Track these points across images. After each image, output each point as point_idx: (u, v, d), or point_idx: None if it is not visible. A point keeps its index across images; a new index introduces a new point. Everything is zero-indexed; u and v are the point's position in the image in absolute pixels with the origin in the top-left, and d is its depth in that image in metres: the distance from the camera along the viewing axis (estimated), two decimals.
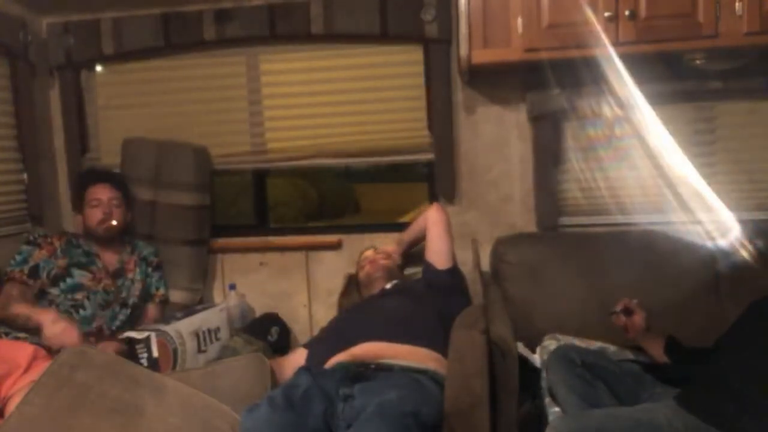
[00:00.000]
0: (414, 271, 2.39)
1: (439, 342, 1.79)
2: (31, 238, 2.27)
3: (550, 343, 2.03)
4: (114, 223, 2.32)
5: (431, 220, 2.22)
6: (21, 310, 2.01)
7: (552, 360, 1.80)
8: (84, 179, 2.45)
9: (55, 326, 1.86)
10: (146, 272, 2.42)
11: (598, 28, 2.02)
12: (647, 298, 1.94)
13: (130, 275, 2.37)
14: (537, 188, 2.45)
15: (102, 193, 2.33)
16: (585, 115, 2.37)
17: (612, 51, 2.04)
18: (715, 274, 2.19)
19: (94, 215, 2.30)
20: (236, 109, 2.65)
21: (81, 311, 2.18)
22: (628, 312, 1.90)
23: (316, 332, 2.35)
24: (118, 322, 2.26)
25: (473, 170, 2.53)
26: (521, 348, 2.02)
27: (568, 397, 1.68)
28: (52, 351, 1.81)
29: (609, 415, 1.56)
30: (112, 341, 2.00)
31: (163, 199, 2.54)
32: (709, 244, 2.20)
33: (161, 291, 2.46)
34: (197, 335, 2.13)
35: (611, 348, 2.03)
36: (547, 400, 1.80)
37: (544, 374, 1.88)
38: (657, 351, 1.86)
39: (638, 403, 1.68)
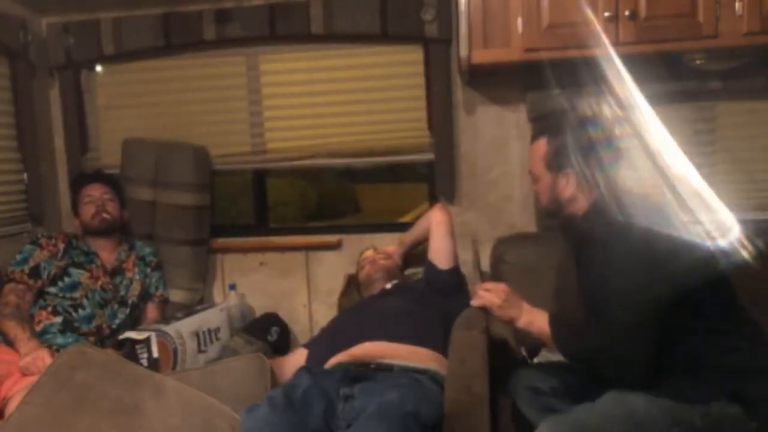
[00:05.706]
0: (414, 271, 2.39)
1: (439, 342, 1.79)
2: (34, 237, 2.28)
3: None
4: (107, 216, 2.33)
5: (435, 220, 2.22)
6: (9, 329, 2.01)
7: (518, 393, 1.70)
8: (76, 183, 2.47)
9: (25, 358, 1.89)
10: (145, 272, 2.42)
11: (598, 28, 2.02)
12: None
13: (128, 274, 2.37)
14: None
15: (94, 189, 2.37)
16: (585, 115, 2.37)
17: (612, 51, 2.03)
18: None
19: (88, 210, 2.33)
20: (236, 109, 2.65)
21: (80, 310, 2.18)
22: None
23: (316, 332, 2.35)
24: (117, 321, 2.27)
25: (473, 170, 2.53)
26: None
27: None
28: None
29: (599, 414, 1.48)
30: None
31: (163, 199, 2.54)
32: (709, 244, 2.20)
33: (160, 291, 2.46)
34: (197, 335, 2.13)
35: None
36: None
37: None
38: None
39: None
